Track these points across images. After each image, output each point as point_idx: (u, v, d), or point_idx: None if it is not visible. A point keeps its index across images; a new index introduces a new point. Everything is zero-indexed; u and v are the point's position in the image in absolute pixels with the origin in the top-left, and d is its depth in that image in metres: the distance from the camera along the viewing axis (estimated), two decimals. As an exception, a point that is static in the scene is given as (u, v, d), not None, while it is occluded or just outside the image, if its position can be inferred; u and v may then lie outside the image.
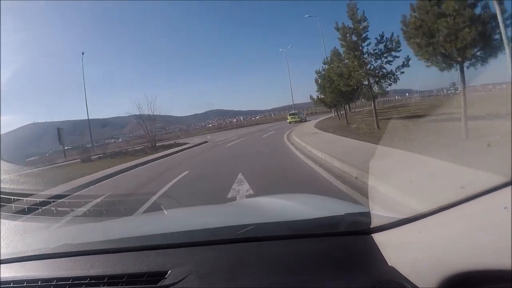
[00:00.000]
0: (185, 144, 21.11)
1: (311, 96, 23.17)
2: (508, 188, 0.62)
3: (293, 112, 35.53)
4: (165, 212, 2.23)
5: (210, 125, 47.02)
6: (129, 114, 25.62)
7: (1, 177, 8.80)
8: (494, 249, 0.60)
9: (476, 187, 0.71)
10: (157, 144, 23.03)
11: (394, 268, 0.86)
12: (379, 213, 1.16)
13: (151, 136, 23.60)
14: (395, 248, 0.94)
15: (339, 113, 22.90)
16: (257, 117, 52.50)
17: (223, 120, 51.46)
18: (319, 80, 19.59)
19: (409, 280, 0.80)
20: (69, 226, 2.90)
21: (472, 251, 0.65)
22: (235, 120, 51.06)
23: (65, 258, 1.23)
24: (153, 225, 1.78)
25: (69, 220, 3.87)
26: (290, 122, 30.98)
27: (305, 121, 30.96)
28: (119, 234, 1.51)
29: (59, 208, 4.73)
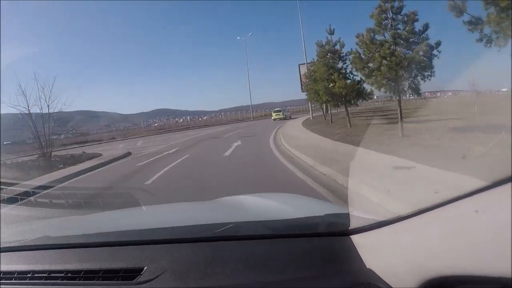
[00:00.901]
0: (84, 160, 12.19)
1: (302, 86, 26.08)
2: (482, 194, 0.63)
3: (277, 109, 38.40)
4: (144, 208, 2.22)
5: (156, 124, 44.65)
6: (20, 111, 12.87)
7: None
8: (468, 254, 0.61)
9: (448, 192, 0.74)
10: (55, 154, 13.57)
11: (372, 270, 0.87)
12: (358, 215, 1.17)
13: (44, 142, 12.61)
14: (373, 250, 0.94)
15: (325, 112, 22.76)
16: (205, 118, 50.71)
17: (170, 120, 49.12)
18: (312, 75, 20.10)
19: (387, 283, 0.81)
20: (48, 218, 2.54)
21: (448, 256, 0.65)
22: (181, 120, 49.16)
23: (43, 250, 1.22)
24: (131, 220, 1.75)
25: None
26: (274, 119, 33.63)
27: (290, 118, 33.78)
28: (97, 228, 1.49)
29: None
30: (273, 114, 36.25)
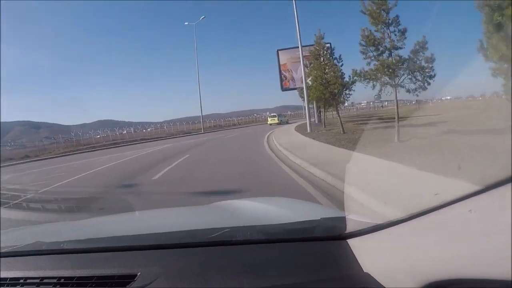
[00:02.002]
0: None
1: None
2: (479, 196, 0.63)
3: (273, 114, 38.82)
4: (137, 213, 2.26)
5: (98, 136, 39.56)
6: None
7: None
8: (467, 257, 0.60)
9: (448, 194, 0.74)
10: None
11: (369, 275, 0.86)
12: (354, 218, 1.17)
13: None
14: (370, 254, 0.94)
15: (323, 116, 22.15)
16: (149, 129, 46.18)
17: (115, 131, 44.26)
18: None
19: (385, 287, 0.80)
20: (41, 224, 2.56)
21: (447, 259, 0.65)
22: (125, 131, 43.87)
23: (36, 256, 1.21)
24: (124, 226, 1.73)
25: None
26: (270, 124, 33.85)
27: (287, 123, 33.43)
28: (90, 234, 1.47)
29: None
30: (269, 119, 36.72)
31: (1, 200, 5.30)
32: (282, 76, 28.69)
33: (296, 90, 28.65)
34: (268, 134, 19.08)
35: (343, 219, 1.17)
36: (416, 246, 0.76)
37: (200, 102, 41.76)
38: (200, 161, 9.95)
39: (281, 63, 29.74)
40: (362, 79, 9.54)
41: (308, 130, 16.27)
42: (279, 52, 30.38)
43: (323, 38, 15.40)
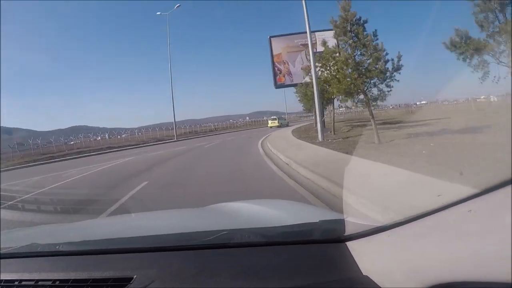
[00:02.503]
0: None
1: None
2: (478, 198, 0.63)
3: (273, 117, 39.05)
4: (133, 215, 2.36)
5: (72, 143, 36.78)
6: None
7: None
8: (467, 259, 0.60)
9: (450, 196, 0.74)
10: None
11: (368, 277, 0.86)
12: (353, 221, 1.16)
13: None
14: (369, 257, 0.93)
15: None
16: (123, 136, 42.43)
17: (89, 138, 40.92)
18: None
19: None
20: (37, 226, 2.40)
21: (446, 261, 0.64)
22: (99, 138, 40.13)
23: (31, 258, 1.21)
24: (120, 228, 1.72)
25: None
26: (271, 127, 34.60)
27: (287, 126, 34.01)
28: (86, 236, 1.46)
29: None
30: (269, 122, 37.90)
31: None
32: (276, 69, 22.35)
33: (294, 88, 23.70)
34: (261, 141, 15.83)
35: (341, 222, 1.17)
36: (416, 249, 0.76)
37: (173, 107, 33.66)
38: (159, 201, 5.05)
39: (274, 53, 22.14)
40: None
41: (320, 139, 11.85)
42: (272, 39, 22.68)
43: (350, 7, 9.90)
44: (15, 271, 1.13)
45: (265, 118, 64.92)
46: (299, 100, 24.01)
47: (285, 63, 21.39)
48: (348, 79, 9.61)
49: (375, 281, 0.83)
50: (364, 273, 0.88)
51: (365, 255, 0.94)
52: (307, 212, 1.77)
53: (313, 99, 14.43)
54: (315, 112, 19.95)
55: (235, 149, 13.91)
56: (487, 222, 0.59)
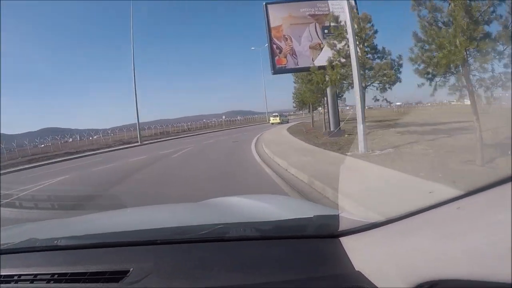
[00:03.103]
0: None
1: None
2: (471, 197, 0.63)
3: (275, 114, 39.94)
4: (129, 210, 2.34)
5: (43, 145, 33.80)
6: None
7: None
8: (460, 257, 0.59)
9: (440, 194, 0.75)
10: None
11: (361, 273, 0.86)
12: (348, 217, 1.16)
13: None
14: (362, 253, 0.93)
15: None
16: (95, 137, 37.87)
17: (59, 140, 37.21)
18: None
19: (376, 286, 0.80)
20: (34, 221, 2.39)
21: (439, 259, 0.64)
22: (71, 139, 39.15)
23: (29, 253, 1.22)
24: (117, 222, 1.73)
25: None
26: (272, 123, 35.94)
27: (287, 122, 35.12)
28: (83, 230, 1.47)
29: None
30: (271, 119, 38.90)
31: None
32: (274, 48, 14.56)
33: (292, 76, 20.62)
34: (254, 147, 12.28)
35: (336, 217, 1.16)
36: (408, 245, 0.75)
37: (136, 106, 25.47)
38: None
39: (271, 25, 15.23)
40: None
41: (362, 149, 7.43)
42: (269, 7, 15.56)
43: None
44: (14, 266, 1.13)
45: (238, 118, 63.06)
46: (293, 94, 23.28)
47: (287, 39, 14.37)
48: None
49: (367, 277, 0.83)
50: (356, 269, 0.89)
51: (358, 251, 0.95)
52: (302, 207, 1.79)
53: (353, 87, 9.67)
54: (311, 109, 21.64)
55: (223, 165, 8.63)
56: (478, 220, 0.59)
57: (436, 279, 0.64)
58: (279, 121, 36.44)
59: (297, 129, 20.14)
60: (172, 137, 29.77)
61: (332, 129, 10.55)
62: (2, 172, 13.52)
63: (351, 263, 0.92)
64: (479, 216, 0.60)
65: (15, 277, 1.06)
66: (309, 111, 24.77)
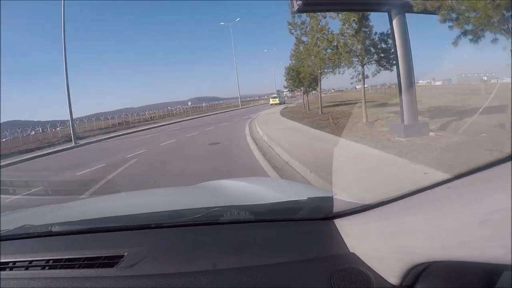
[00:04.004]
0: None
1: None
2: (465, 178, 0.62)
3: (274, 95, 42.45)
4: (123, 194, 2.23)
5: (4, 140, 29.82)
6: None
7: None
8: (457, 240, 0.58)
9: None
10: None
11: (355, 255, 0.87)
12: (342, 198, 1.16)
13: None
14: (356, 234, 0.94)
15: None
16: (58, 129, 35.44)
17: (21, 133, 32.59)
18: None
19: (371, 268, 0.81)
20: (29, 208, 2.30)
21: (433, 240, 0.63)
22: (33, 132, 34.42)
23: (24, 240, 1.22)
24: (111, 207, 1.71)
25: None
26: (271, 104, 38.90)
27: (284, 103, 38.29)
28: (77, 216, 1.44)
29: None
30: (271, 100, 41.79)
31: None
32: None
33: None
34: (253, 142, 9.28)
35: (330, 199, 1.16)
36: (402, 227, 0.75)
37: (67, 96, 17.79)
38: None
39: None
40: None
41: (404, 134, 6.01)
42: None
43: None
44: (9, 253, 1.12)
45: (204, 104, 59.68)
46: (287, 70, 19.98)
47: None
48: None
49: (362, 259, 0.84)
50: (351, 250, 0.90)
51: (352, 233, 0.95)
52: (296, 189, 1.78)
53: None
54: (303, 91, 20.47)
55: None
56: (470, 201, 0.58)
57: (430, 260, 0.65)
58: (278, 102, 39.91)
59: (296, 114, 17.67)
60: (132, 129, 24.02)
61: (407, 122, 7.03)
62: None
63: (345, 244, 0.93)
64: (471, 197, 0.58)
65: (10, 264, 1.06)
66: (305, 92, 21.76)
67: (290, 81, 20.10)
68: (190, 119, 29.07)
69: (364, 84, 10.30)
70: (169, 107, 53.83)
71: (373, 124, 9.68)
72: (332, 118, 12.21)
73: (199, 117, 32.44)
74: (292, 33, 15.13)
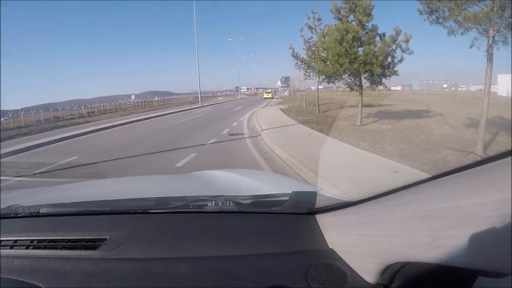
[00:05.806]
0: None
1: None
2: (443, 179, 0.61)
3: (268, 90, 49.09)
4: (112, 179, 2.27)
5: None
6: None
7: None
8: (428, 241, 0.57)
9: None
10: None
11: (334, 251, 0.87)
12: (325, 194, 1.17)
13: None
14: (336, 230, 0.94)
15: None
16: (2, 119, 27.31)
17: None
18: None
19: (348, 265, 0.81)
20: (19, 189, 2.37)
21: (409, 241, 0.63)
22: None
23: (10, 219, 1.23)
24: (98, 191, 1.74)
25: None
26: (265, 98, 44.39)
27: (272, 98, 43.92)
28: (64, 198, 1.48)
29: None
30: (264, 94, 47.96)
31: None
32: None
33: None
34: None
35: (313, 194, 1.17)
36: (382, 225, 0.74)
37: None
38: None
39: None
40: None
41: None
42: None
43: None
44: None
45: (156, 98, 51.37)
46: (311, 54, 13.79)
47: None
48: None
49: (339, 255, 0.85)
50: (330, 246, 0.90)
51: (331, 229, 0.95)
52: (282, 183, 1.79)
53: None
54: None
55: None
56: (446, 204, 0.57)
57: (405, 260, 0.65)
58: (270, 96, 45.75)
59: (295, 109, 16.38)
60: (66, 128, 16.76)
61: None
62: None
63: (325, 240, 0.93)
64: (448, 199, 0.57)
65: None
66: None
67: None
68: (133, 120, 18.56)
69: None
70: (120, 100, 40.94)
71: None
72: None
73: (149, 112, 25.21)
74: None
